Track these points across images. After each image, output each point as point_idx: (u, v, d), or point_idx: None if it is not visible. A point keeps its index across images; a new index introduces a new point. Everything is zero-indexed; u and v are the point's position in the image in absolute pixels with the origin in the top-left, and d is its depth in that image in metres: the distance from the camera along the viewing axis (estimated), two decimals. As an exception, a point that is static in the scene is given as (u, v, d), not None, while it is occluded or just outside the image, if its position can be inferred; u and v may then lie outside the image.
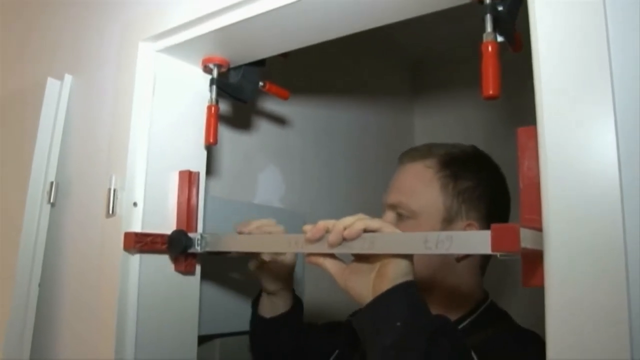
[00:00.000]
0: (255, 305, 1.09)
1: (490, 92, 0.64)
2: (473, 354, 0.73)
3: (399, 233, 0.70)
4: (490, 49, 0.66)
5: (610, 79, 0.51)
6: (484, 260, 0.95)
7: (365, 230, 0.70)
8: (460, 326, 0.88)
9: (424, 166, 0.94)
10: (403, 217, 0.92)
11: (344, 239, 0.70)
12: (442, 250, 0.62)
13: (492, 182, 0.95)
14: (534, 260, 0.55)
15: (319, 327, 1.14)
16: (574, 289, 0.51)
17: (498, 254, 0.56)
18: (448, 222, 0.90)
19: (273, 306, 1.05)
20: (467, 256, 0.89)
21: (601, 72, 0.51)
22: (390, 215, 0.93)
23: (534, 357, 0.70)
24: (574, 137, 0.52)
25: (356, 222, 0.70)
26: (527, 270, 0.57)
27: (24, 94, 1.16)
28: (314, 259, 0.76)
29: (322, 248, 0.73)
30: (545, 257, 0.53)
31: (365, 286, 0.70)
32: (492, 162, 0.99)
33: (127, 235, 0.88)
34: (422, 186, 0.92)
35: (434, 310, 0.69)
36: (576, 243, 0.51)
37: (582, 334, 0.50)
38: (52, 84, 1.08)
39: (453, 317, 0.88)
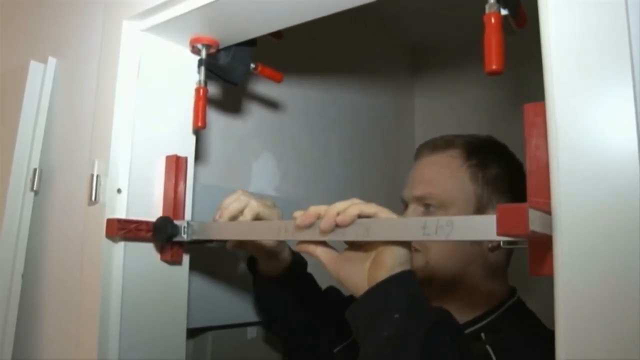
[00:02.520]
0: (251, 265, 1.03)
1: (494, 66, 0.59)
2: (490, 350, 0.69)
3: (396, 218, 0.65)
4: (493, 20, 0.61)
5: (629, 45, 0.45)
6: (510, 250, 0.91)
7: (360, 216, 0.65)
8: (479, 325, 0.84)
9: (449, 156, 0.92)
10: (431, 209, 0.89)
11: (337, 226, 0.66)
12: (442, 236, 0.57)
13: (514, 170, 0.93)
14: (543, 246, 0.50)
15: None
16: (586, 279, 0.46)
17: (501, 241, 0.51)
18: (479, 212, 0.88)
19: (270, 266, 0.99)
20: (500, 245, 0.86)
21: (618, 37, 0.46)
22: (417, 208, 0.91)
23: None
24: (587, 111, 0.47)
25: (350, 207, 0.66)
26: (535, 258, 0.52)
27: (5, 78, 1.11)
28: (304, 246, 0.72)
29: (314, 235, 0.68)
30: (554, 242, 0.48)
31: (359, 276, 0.66)
32: (509, 150, 0.97)
33: (110, 222, 0.83)
34: (450, 176, 0.90)
35: (454, 308, 0.66)
36: (589, 227, 0.46)
37: (595, 330, 0.45)
38: (35, 67, 1.03)
39: (474, 314, 0.84)
